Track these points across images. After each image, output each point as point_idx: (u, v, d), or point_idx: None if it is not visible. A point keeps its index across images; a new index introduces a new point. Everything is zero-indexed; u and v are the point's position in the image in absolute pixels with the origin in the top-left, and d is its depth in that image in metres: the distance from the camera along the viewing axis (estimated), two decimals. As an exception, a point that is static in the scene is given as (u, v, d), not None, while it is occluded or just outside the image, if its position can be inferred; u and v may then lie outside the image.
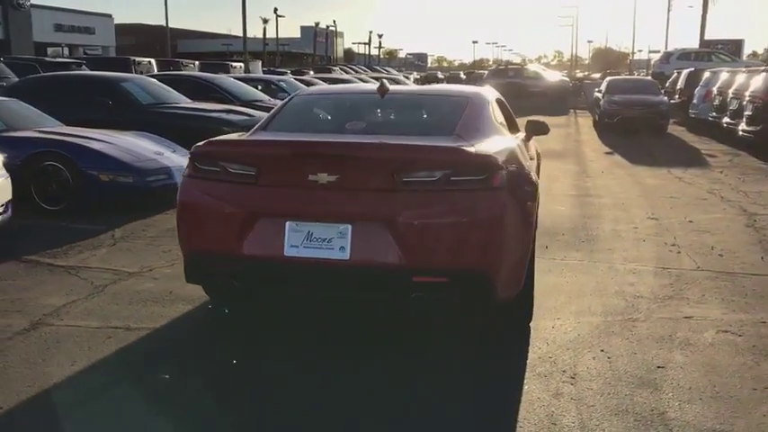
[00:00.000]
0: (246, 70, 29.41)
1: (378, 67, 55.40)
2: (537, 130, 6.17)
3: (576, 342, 4.26)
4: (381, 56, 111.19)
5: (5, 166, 7.04)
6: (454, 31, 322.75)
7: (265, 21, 73.71)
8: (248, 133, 4.37)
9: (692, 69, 23.33)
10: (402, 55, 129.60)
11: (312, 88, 5.78)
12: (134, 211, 7.76)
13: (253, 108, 12.00)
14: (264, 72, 29.35)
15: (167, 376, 3.70)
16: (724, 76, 18.30)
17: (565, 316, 4.73)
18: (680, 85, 23.39)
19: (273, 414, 3.37)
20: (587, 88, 34.37)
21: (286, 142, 3.98)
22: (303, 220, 3.68)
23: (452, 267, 3.67)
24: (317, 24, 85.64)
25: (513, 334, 4.34)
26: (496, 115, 4.87)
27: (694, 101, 20.45)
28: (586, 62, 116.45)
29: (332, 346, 4.16)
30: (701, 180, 10.93)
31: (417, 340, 4.31)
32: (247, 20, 41.04)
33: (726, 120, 16.42)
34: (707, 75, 20.40)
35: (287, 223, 3.68)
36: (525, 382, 3.69)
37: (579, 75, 51.59)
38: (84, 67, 18.45)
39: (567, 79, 38.94)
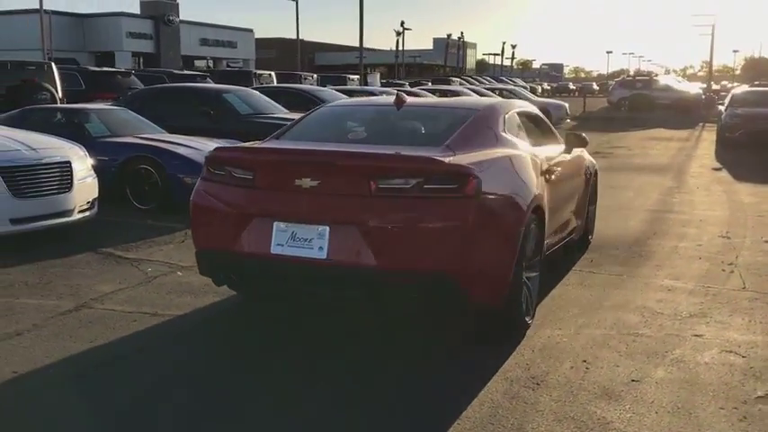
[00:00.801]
0: (364, 83, 30.33)
1: (504, 78, 55.05)
2: (576, 142, 6.19)
3: (563, 352, 4.31)
4: (515, 66, 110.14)
5: (101, 168, 7.91)
6: (591, 41, 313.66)
7: (398, 33, 75.21)
8: (263, 141, 4.78)
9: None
10: (536, 65, 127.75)
11: (339, 101, 6.11)
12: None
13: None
14: (382, 84, 30.16)
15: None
16: None
17: (567, 327, 4.77)
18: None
19: (254, 407, 3.71)
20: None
21: (276, 150, 4.35)
22: (288, 221, 4.01)
23: (422, 271, 3.87)
24: (448, 36, 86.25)
25: (503, 339, 4.45)
26: (510, 128, 4.99)
27: None
28: (737, 72, 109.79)
29: (324, 342, 4.47)
30: (802, 200, 10.29)
31: (409, 336, 4.52)
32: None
33: None
34: None
35: (275, 224, 4.03)
36: (490, 383, 3.82)
37: (715, 87, 48.76)
38: (208, 79, 19.86)
39: (700, 91, 37.06)
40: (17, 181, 6.40)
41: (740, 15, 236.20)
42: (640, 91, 35.87)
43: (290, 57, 67.67)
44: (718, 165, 15.04)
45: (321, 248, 3.92)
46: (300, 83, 23.79)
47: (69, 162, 6.90)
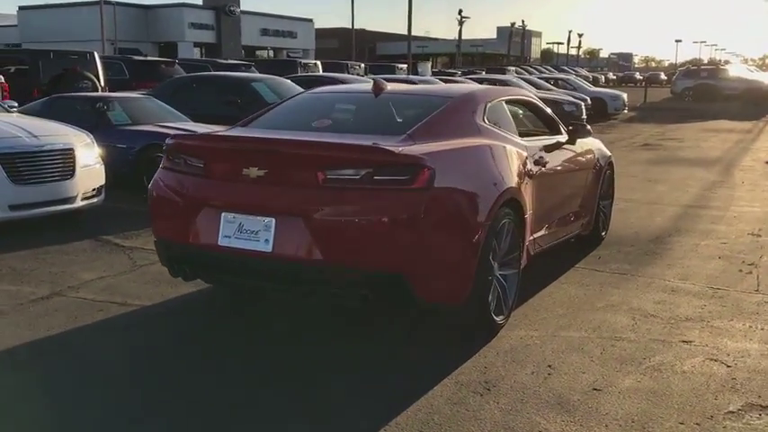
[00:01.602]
0: (414, 72, 30.02)
1: (565, 68, 53.74)
2: (578, 133, 5.86)
3: (529, 355, 4.04)
4: (581, 56, 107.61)
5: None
6: (662, 29, 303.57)
7: (461, 22, 74.39)
8: (228, 128, 4.65)
9: None
10: (604, 55, 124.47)
11: (318, 88, 5.93)
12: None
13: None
14: (433, 74, 29.77)
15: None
16: None
17: (545, 328, 4.49)
18: None
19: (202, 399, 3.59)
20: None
21: (225, 137, 4.20)
22: (236, 211, 3.87)
23: (368, 267, 3.67)
24: (512, 24, 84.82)
25: (468, 340, 4.21)
26: (493, 118, 4.72)
27: None
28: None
29: (278, 329, 4.32)
30: None
31: (376, 333, 4.33)
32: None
33: None
34: None
35: (222, 214, 3.89)
36: (437, 387, 3.59)
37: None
38: (252, 69, 19.95)
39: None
40: (17, 167, 6.47)
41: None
42: (705, 81, 34.45)
43: (352, 47, 67.88)
44: (773, 159, 14.24)
45: (267, 241, 3.77)
46: (348, 72, 23.67)
47: (72, 149, 6.94)
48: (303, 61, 22.73)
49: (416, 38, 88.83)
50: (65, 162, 6.85)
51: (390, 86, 5.03)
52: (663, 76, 73.12)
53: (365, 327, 4.53)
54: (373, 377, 3.75)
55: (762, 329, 4.55)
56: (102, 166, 7.42)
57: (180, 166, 4.17)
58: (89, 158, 7.22)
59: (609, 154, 6.90)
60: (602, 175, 6.53)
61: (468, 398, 3.49)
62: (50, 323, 4.44)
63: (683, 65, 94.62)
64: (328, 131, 4.38)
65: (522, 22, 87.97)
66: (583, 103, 20.82)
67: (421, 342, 4.25)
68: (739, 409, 3.42)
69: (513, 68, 39.42)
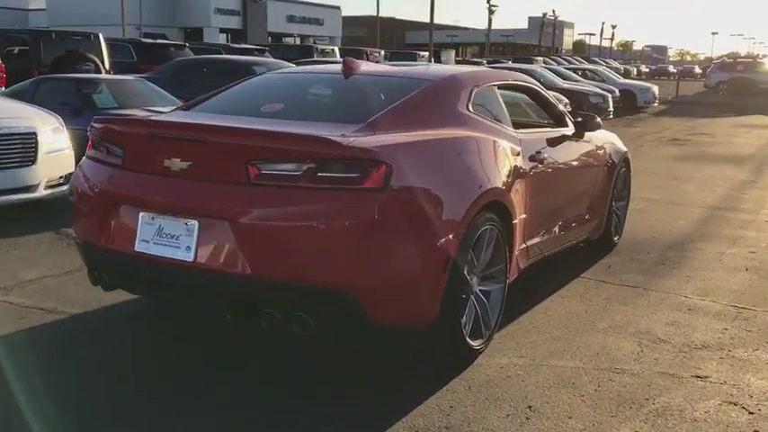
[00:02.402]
0: (437, 60, 29.18)
1: (596, 59, 52.36)
2: (586, 125, 5.14)
3: (508, 391, 3.36)
4: (614, 48, 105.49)
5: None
6: (697, 22, 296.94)
7: (491, 11, 73.04)
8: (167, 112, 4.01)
9: None
10: (638, 47, 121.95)
11: (285, 68, 5.25)
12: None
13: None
14: (457, 62, 28.89)
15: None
16: None
17: (532, 355, 3.80)
18: None
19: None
20: None
21: (147, 121, 3.55)
22: (155, 211, 3.23)
23: (307, 283, 3.01)
24: (544, 15, 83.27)
25: (436, 369, 3.53)
26: (480, 105, 4.02)
27: None
28: None
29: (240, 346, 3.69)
30: None
31: (340, 360, 3.68)
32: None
33: None
34: None
35: (140, 214, 3.26)
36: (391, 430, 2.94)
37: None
38: (266, 53, 19.34)
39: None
40: (-30, 152, 5.92)
41: None
42: (741, 74, 33.12)
43: (381, 35, 67.03)
44: (811, 157, 13.29)
45: (189, 248, 3.12)
46: (367, 59, 22.96)
47: (35, 133, 6.36)
48: (320, 47, 22.12)
49: (443, 27, 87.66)
50: (25, 147, 6.28)
51: (365, 66, 4.35)
52: (697, 70, 71.08)
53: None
54: (313, 414, 3.10)
55: (793, 363, 3.81)
56: (73, 152, 6.83)
57: (101, 154, 3.54)
58: (56, 143, 6.64)
59: (624, 150, 6.14)
60: (615, 174, 5.79)
61: (420, 449, 2.83)
62: (-41, 333, 3.86)
63: (719, 58, 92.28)
64: (277, 118, 3.69)
65: (554, 12, 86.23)
66: (610, 95, 19.89)
67: (374, 369, 3.59)
68: (761, 477, 2.72)
69: (542, 59, 38.32)
